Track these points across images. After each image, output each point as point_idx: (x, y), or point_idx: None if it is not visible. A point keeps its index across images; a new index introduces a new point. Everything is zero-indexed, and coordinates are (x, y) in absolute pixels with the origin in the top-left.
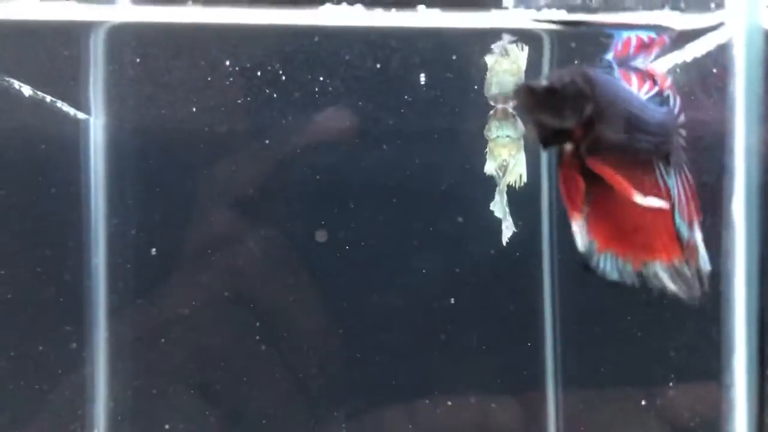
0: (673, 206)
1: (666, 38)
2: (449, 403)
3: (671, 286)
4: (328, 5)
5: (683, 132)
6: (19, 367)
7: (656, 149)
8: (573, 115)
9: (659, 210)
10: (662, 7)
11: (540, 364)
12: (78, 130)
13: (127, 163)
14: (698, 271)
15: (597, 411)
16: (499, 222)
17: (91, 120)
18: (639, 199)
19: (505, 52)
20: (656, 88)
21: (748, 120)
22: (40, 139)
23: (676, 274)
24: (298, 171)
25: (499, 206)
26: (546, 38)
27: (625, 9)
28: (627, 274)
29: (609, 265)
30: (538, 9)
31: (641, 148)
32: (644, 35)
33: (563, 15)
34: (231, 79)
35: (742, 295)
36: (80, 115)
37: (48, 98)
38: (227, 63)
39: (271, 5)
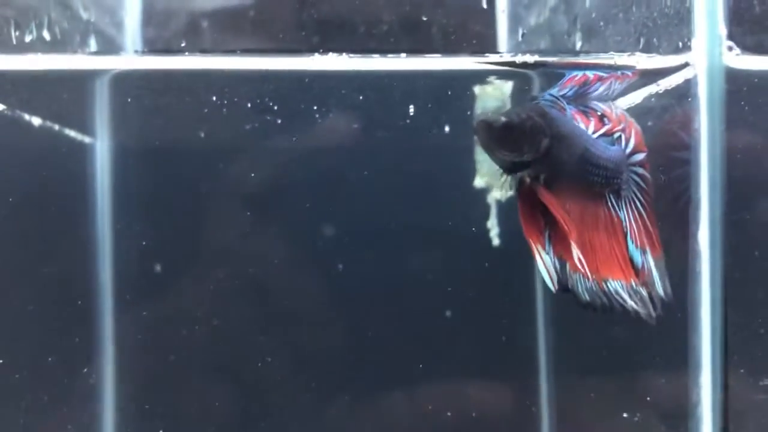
0: (625, 235)
1: (620, 75)
2: (446, 391)
3: (631, 303)
4: (316, 55)
5: (639, 170)
6: (28, 377)
7: (607, 183)
8: (530, 149)
9: (612, 235)
10: (636, 48)
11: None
12: (84, 153)
13: (130, 183)
14: (652, 294)
15: (587, 400)
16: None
17: (97, 144)
18: (573, 242)
19: (491, 81)
20: (604, 128)
21: (711, 155)
22: (49, 162)
23: (634, 293)
24: (295, 182)
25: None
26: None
27: (606, 50)
28: (594, 293)
29: (579, 285)
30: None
31: (593, 181)
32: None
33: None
34: (226, 110)
35: (708, 319)
36: (86, 140)
37: (56, 126)
38: (223, 96)
39: (264, 53)
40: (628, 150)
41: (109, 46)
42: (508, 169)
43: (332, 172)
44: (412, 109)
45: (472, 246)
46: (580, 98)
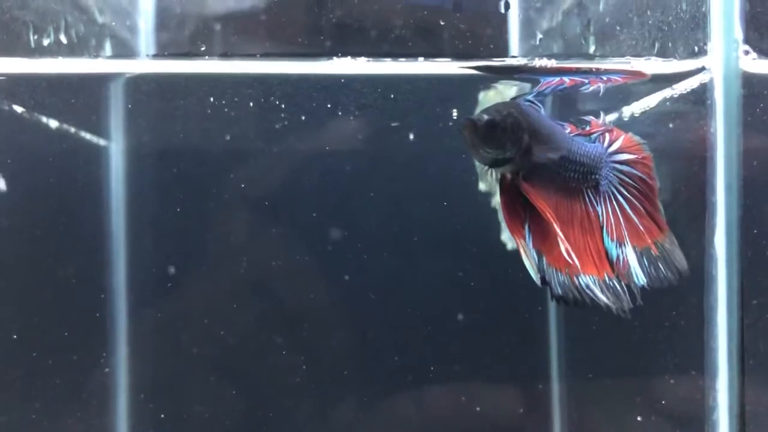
0: (601, 228)
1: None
2: (457, 395)
3: (602, 297)
4: (335, 59)
5: (624, 167)
6: (43, 376)
7: (583, 178)
8: (513, 146)
9: (588, 230)
10: (650, 52)
11: (544, 356)
12: (99, 155)
13: (144, 184)
14: (629, 286)
15: (600, 404)
16: None
17: (112, 145)
18: (558, 232)
19: (494, 87)
20: (579, 129)
21: (727, 158)
22: (66, 164)
23: (605, 287)
24: (306, 186)
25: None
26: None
27: (620, 54)
28: (567, 288)
29: (553, 279)
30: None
31: (569, 176)
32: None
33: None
34: (240, 113)
35: (724, 323)
36: (101, 142)
37: (72, 129)
38: (236, 100)
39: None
40: (613, 148)
41: (124, 49)
42: (491, 166)
43: (346, 175)
44: (418, 113)
45: (482, 249)
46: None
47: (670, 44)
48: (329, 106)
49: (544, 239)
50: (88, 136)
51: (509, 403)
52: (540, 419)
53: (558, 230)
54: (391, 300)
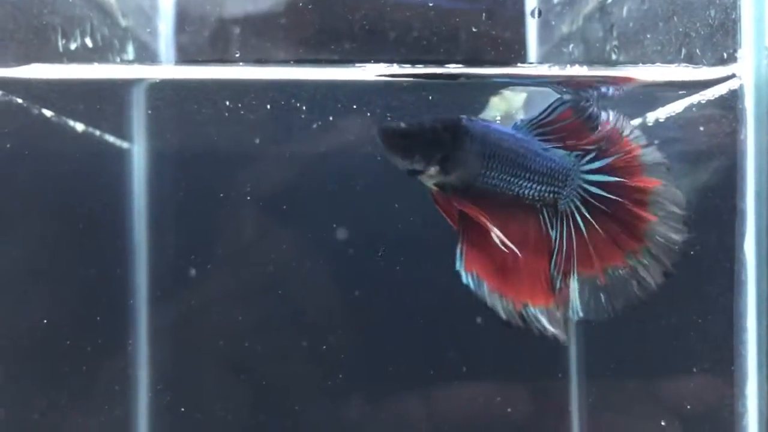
0: (551, 253)
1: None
2: (474, 397)
3: (550, 328)
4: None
5: (597, 177)
6: (65, 372)
7: (541, 197)
8: (421, 160)
9: (540, 254)
10: (677, 58)
11: (563, 358)
12: (122, 156)
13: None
14: (564, 318)
15: (624, 408)
16: None
17: (134, 149)
18: (495, 235)
19: (501, 92)
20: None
21: (758, 165)
22: (91, 165)
23: (552, 317)
24: (324, 184)
25: None
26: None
27: (644, 60)
28: (511, 314)
29: (498, 304)
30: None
31: (525, 194)
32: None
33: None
34: (259, 117)
35: (753, 329)
36: (124, 145)
37: (97, 132)
38: (256, 104)
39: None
40: (596, 165)
41: (145, 52)
42: (408, 175)
43: (367, 178)
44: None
45: None
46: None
47: (697, 50)
48: (351, 109)
49: (486, 263)
50: (112, 138)
51: (527, 406)
52: (559, 422)
53: (490, 227)
54: (408, 301)
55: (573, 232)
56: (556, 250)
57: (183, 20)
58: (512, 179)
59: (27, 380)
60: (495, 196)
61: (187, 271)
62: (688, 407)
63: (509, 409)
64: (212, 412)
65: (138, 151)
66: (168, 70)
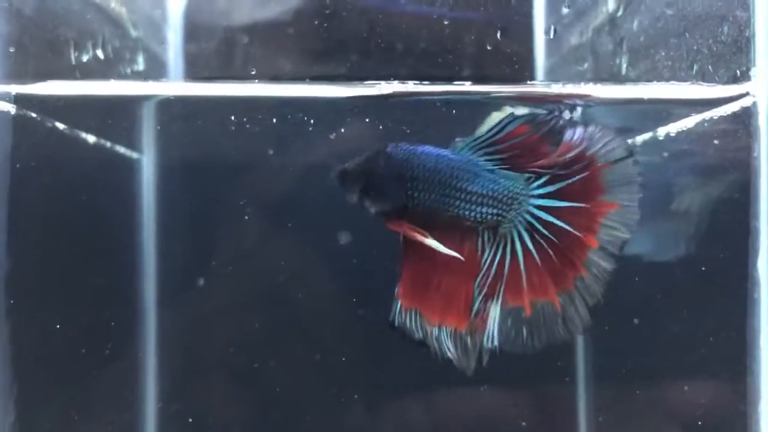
0: (477, 276)
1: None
2: (482, 403)
3: (447, 352)
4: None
5: (543, 213)
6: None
7: (483, 219)
8: (351, 196)
9: (470, 277)
10: (689, 75)
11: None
12: (132, 167)
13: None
14: (480, 346)
15: (633, 424)
16: None
17: (144, 161)
18: (431, 242)
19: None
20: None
21: None
22: (101, 175)
23: (458, 341)
24: (333, 195)
25: None
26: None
27: (655, 75)
28: (426, 334)
29: (413, 323)
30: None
31: (465, 216)
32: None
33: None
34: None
35: (767, 346)
36: (134, 156)
37: (108, 143)
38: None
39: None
40: (548, 190)
41: (155, 62)
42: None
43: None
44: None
45: None
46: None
47: (709, 67)
48: (363, 122)
49: (409, 285)
50: (122, 149)
51: (533, 416)
52: (566, 430)
53: (421, 238)
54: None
55: (508, 259)
56: (483, 273)
57: (192, 31)
58: (446, 200)
59: (37, 386)
60: (436, 217)
61: (196, 280)
62: (700, 423)
63: (515, 416)
64: (218, 420)
65: (147, 162)
66: (178, 86)
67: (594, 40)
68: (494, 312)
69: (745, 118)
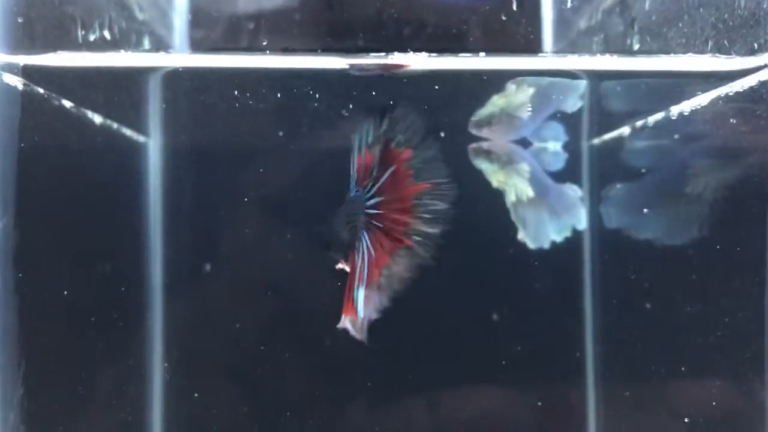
0: (353, 272)
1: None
2: (485, 398)
3: (354, 333)
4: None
5: (376, 221)
6: (79, 366)
7: (352, 233)
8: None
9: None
10: (704, 51)
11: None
12: (138, 150)
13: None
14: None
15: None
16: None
17: (150, 142)
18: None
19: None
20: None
21: None
22: (107, 157)
23: (354, 324)
24: (338, 183)
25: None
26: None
27: (668, 52)
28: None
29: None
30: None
31: (344, 237)
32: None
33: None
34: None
35: None
36: (141, 138)
37: (115, 125)
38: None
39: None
40: (376, 200)
41: (160, 45)
42: None
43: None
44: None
45: (507, 249)
46: None
47: (725, 42)
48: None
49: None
50: (128, 132)
51: (541, 415)
52: (575, 427)
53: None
54: (421, 300)
55: (362, 253)
56: (358, 268)
57: (197, 14)
58: (339, 231)
59: (44, 362)
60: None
61: (201, 263)
62: (715, 406)
63: (522, 414)
64: (223, 414)
65: (154, 143)
66: (185, 58)
67: (604, 21)
68: (360, 293)
69: (764, 92)
